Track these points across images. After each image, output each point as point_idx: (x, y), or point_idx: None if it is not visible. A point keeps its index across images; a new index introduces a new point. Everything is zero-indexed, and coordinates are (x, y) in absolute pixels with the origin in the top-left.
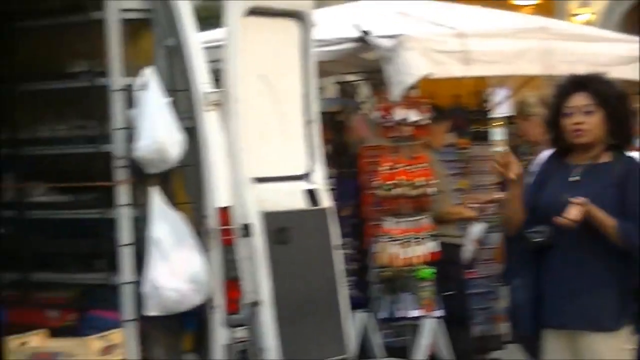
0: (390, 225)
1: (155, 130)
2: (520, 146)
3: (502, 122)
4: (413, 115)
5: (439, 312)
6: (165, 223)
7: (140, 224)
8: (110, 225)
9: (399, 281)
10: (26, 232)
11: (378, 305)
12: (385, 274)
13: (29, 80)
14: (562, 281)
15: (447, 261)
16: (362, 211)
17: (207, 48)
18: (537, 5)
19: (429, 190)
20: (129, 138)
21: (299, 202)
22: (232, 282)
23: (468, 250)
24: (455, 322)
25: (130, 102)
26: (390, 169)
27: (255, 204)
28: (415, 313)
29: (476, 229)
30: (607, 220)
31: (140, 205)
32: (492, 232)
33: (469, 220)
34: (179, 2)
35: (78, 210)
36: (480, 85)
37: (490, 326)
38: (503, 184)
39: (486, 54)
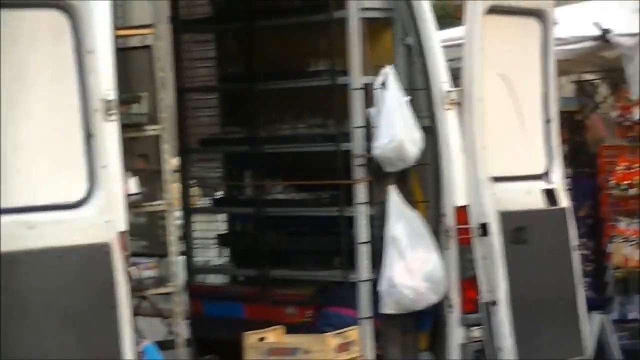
0: (625, 225)
1: (394, 129)
2: None
3: None
4: None
5: None
6: (402, 221)
7: (377, 222)
8: (347, 223)
9: (632, 282)
10: (264, 229)
11: (611, 306)
12: (618, 275)
13: (270, 78)
14: None
15: None
16: (600, 211)
17: (446, 47)
18: None
19: None
20: (367, 136)
21: (537, 202)
22: (468, 281)
23: None
24: None
25: (369, 101)
26: (627, 169)
27: (493, 203)
28: None
29: None
30: None
31: (377, 204)
32: None
33: None
34: (419, 1)
35: (316, 208)
36: None
37: None
38: None
39: None
